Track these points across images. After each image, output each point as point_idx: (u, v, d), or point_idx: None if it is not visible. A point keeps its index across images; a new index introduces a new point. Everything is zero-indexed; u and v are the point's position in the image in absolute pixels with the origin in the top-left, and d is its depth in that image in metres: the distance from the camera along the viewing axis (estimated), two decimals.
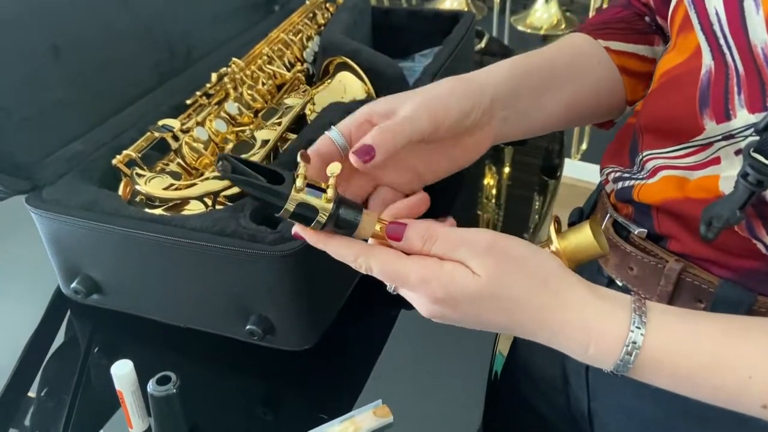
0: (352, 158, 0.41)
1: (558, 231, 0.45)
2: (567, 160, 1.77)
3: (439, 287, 0.39)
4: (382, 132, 0.42)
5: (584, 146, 2.10)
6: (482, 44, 1.30)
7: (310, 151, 0.43)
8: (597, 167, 0.58)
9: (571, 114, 0.54)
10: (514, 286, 0.39)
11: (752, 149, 0.38)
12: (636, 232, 0.50)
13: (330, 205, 0.40)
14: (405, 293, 0.42)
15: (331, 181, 0.40)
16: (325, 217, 0.40)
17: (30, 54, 0.67)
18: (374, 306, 0.70)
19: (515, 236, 0.41)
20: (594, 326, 0.39)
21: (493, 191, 0.91)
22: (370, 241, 0.42)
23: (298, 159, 0.40)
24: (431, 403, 0.61)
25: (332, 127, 0.45)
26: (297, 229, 0.42)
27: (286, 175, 0.40)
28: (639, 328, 0.39)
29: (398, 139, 0.42)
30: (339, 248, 0.41)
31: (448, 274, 0.39)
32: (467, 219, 0.83)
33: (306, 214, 0.40)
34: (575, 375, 0.58)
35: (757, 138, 0.38)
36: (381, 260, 0.40)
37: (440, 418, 0.60)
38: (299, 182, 0.39)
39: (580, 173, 1.99)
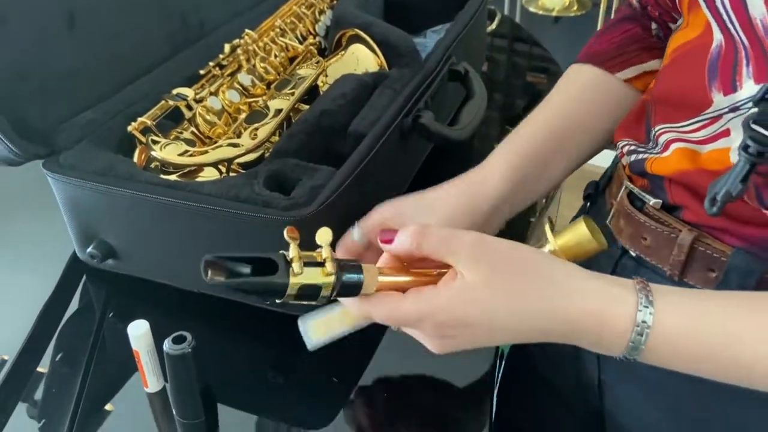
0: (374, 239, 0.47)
1: (552, 230, 0.46)
2: None
3: (442, 317, 0.39)
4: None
5: None
6: (493, 26, 1.29)
7: (340, 245, 0.49)
8: (605, 151, 0.59)
9: (579, 164, 0.57)
10: (512, 287, 0.40)
11: (752, 120, 0.38)
12: (651, 203, 0.50)
13: (331, 279, 0.39)
14: (412, 332, 0.42)
15: (325, 252, 0.39)
16: (330, 291, 0.39)
17: (45, 22, 0.68)
18: None
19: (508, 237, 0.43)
20: (603, 308, 0.39)
21: None
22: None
23: (286, 237, 0.39)
24: (443, 369, 0.62)
25: (356, 224, 0.51)
26: None
27: (276, 257, 0.38)
28: (647, 307, 0.39)
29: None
30: (345, 302, 0.44)
31: (445, 299, 0.39)
32: None
33: (310, 293, 0.39)
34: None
35: (756, 109, 0.39)
36: (380, 306, 0.41)
37: (452, 385, 0.60)
38: (296, 267, 0.38)
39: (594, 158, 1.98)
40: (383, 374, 0.61)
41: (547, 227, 0.46)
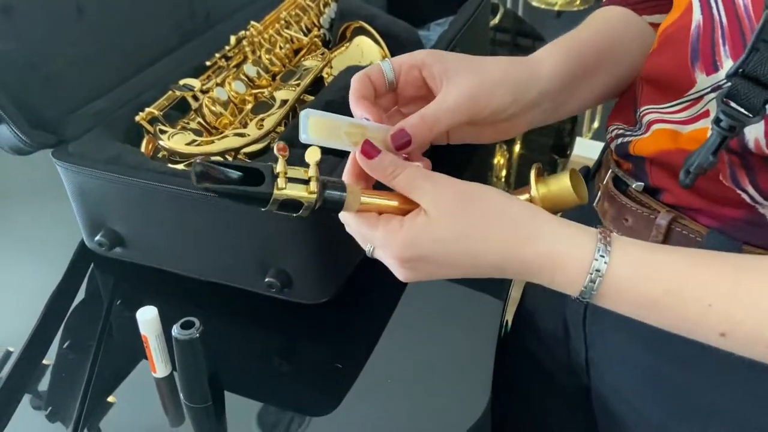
0: (388, 141, 0.44)
1: (538, 178, 0.46)
2: (578, 139, 1.77)
3: (403, 249, 0.41)
4: (422, 122, 0.44)
5: (596, 124, 2.10)
6: (496, 19, 1.30)
7: (362, 72, 0.45)
8: (597, 143, 0.59)
9: (605, 96, 0.56)
10: (473, 223, 0.41)
11: (724, 96, 0.39)
12: (633, 186, 0.51)
13: (313, 197, 0.40)
14: (380, 256, 0.44)
15: (312, 171, 0.40)
16: (310, 208, 0.41)
17: (54, 12, 0.69)
18: None
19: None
20: (559, 254, 0.41)
21: (503, 171, 0.92)
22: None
23: (275, 152, 0.40)
24: (445, 355, 0.63)
25: (387, 59, 0.47)
26: None
27: (264, 169, 0.40)
28: (603, 256, 0.40)
29: (434, 131, 0.45)
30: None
31: (407, 233, 0.41)
32: None
33: (291, 206, 0.40)
34: (574, 326, 0.60)
35: (729, 84, 0.39)
36: (354, 225, 0.43)
37: (453, 371, 0.61)
38: (280, 182, 0.39)
39: (590, 151, 1.98)
40: (387, 360, 0.62)
41: (533, 173, 0.47)
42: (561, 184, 0.46)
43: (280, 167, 0.40)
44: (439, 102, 0.46)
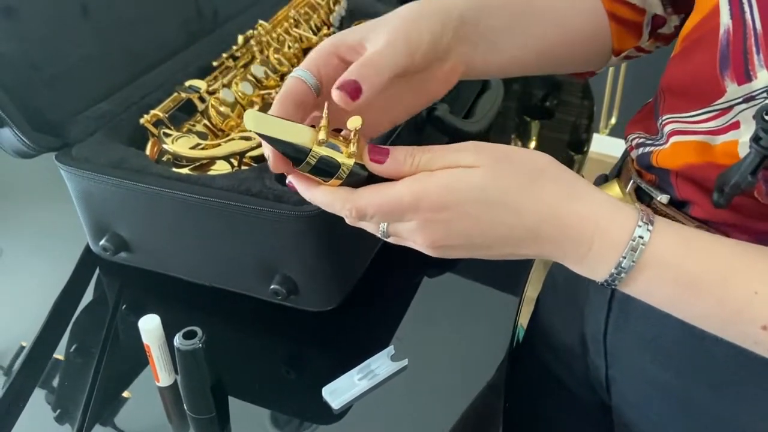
0: (337, 96, 0.39)
1: None
2: (595, 135, 1.74)
3: (436, 196, 0.37)
4: (365, 65, 0.39)
5: (613, 120, 2.07)
6: None
7: (279, 96, 0.41)
8: (617, 141, 0.57)
9: (543, 57, 0.51)
10: (514, 176, 0.37)
11: (765, 112, 0.37)
12: (658, 198, 0.49)
13: (351, 161, 0.39)
14: (401, 230, 0.39)
15: (353, 135, 0.39)
16: (346, 173, 0.39)
17: (58, 13, 0.68)
18: (398, 268, 0.70)
19: None
20: (603, 217, 0.38)
21: None
22: None
23: (324, 112, 0.39)
24: (454, 365, 0.61)
25: (298, 67, 0.43)
26: (291, 178, 0.41)
27: (308, 129, 0.39)
28: (647, 223, 0.37)
29: (383, 72, 0.40)
30: (325, 197, 0.39)
31: (443, 178, 0.37)
32: None
33: (326, 169, 0.39)
34: (594, 341, 0.58)
35: None
36: (369, 193, 0.38)
37: (462, 380, 0.60)
38: (321, 134, 0.38)
39: (607, 148, 1.95)
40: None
41: None
42: None
43: (323, 121, 0.39)
44: (374, 46, 0.41)
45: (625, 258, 0.37)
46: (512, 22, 0.49)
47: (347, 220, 0.41)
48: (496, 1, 0.49)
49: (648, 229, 0.37)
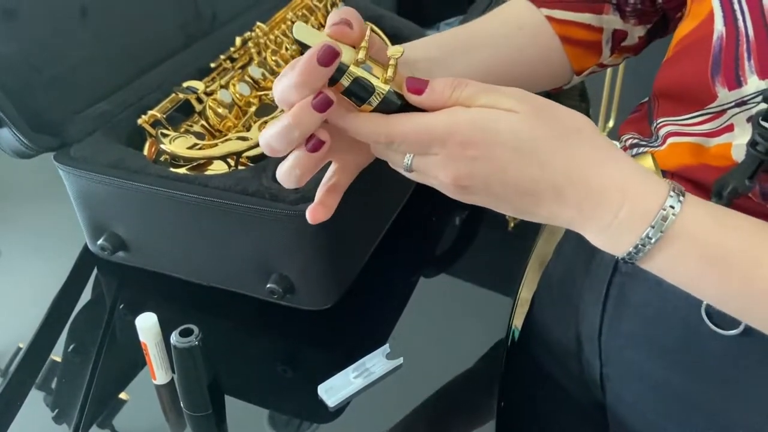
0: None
1: None
2: None
3: (468, 131, 0.36)
4: (329, 191, 0.43)
5: (611, 123, 2.07)
6: None
7: (334, 14, 0.40)
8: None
9: (490, 79, 0.52)
10: (550, 129, 0.36)
11: (761, 117, 0.37)
12: None
13: (387, 87, 0.37)
14: (426, 163, 0.38)
15: (392, 62, 0.37)
16: (379, 99, 0.37)
17: (57, 14, 0.68)
18: (394, 268, 0.70)
19: None
20: (633, 184, 0.36)
21: None
22: None
23: (366, 33, 0.38)
24: (449, 363, 0.61)
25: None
26: (321, 98, 0.38)
27: (346, 48, 0.38)
28: (678, 194, 0.36)
29: (342, 189, 0.43)
30: (354, 120, 0.38)
31: (477, 114, 0.36)
32: None
33: (359, 93, 0.38)
34: (588, 341, 0.58)
35: (766, 106, 0.38)
36: (401, 120, 0.37)
37: (457, 379, 0.60)
38: (361, 54, 0.37)
39: None
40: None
41: None
42: None
43: (364, 42, 0.38)
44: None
45: (653, 227, 0.36)
46: (458, 51, 0.49)
47: (372, 149, 0.40)
48: (447, 36, 0.49)
49: (680, 200, 0.36)
